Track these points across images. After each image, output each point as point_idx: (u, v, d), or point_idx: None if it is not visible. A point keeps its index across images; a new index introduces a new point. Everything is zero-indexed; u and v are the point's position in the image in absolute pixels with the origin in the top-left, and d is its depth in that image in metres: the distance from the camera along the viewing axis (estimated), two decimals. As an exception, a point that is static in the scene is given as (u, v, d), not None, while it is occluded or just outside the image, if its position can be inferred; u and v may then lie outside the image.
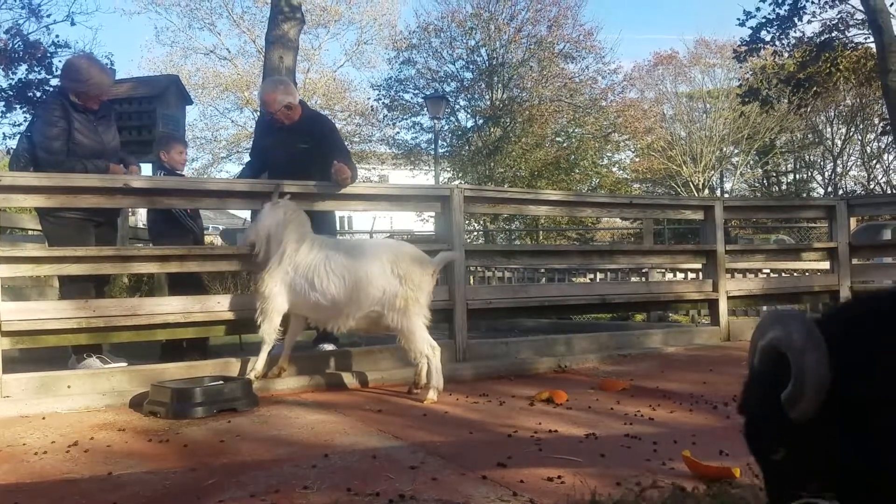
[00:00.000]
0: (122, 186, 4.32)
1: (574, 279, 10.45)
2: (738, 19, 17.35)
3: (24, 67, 14.64)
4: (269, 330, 4.06)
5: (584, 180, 25.85)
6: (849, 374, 1.20)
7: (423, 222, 24.45)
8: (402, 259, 3.96)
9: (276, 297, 4.05)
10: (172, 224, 5.18)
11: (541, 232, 22.63)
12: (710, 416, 3.45)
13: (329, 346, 4.80)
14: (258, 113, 5.07)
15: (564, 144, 26.00)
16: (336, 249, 4.11)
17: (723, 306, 6.10)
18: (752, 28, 17.15)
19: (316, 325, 4.37)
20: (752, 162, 31.19)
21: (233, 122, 29.70)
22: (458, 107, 26.16)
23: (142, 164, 5.97)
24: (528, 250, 6.53)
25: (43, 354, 4.63)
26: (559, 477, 2.41)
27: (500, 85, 25.47)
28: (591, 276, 10.45)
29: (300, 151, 4.84)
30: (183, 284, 4.94)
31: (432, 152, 22.53)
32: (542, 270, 10.27)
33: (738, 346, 5.79)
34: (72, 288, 4.43)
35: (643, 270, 9.91)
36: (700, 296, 6.14)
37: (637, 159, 30.28)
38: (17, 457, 2.88)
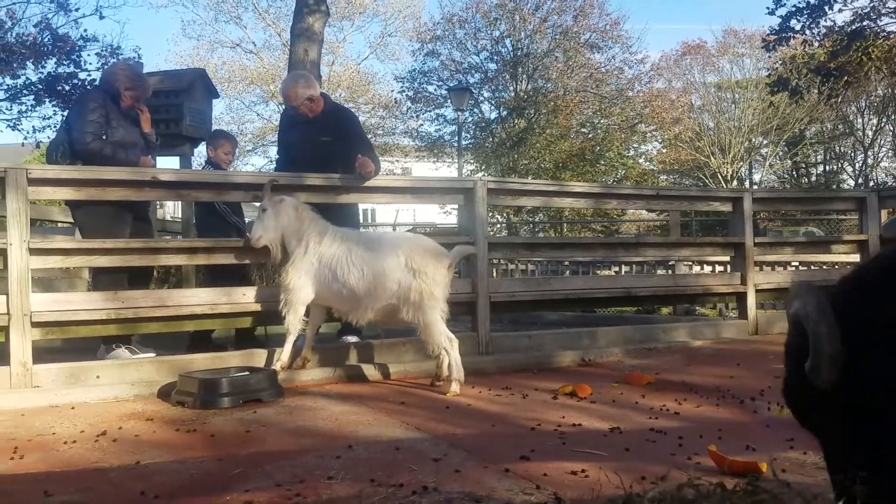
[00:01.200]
0: (151, 179, 4.39)
1: (599, 272, 10.38)
2: (768, 8, 17.03)
3: (53, 61, 14.83)
4: (295, 321, 4.11)
5: (610, 172, 25.53)
6: (861, 345, 1.22)
7: (445, 214, 24.38)
8: (417, 252, 3.98)
9: (301, 289, 4.10)
10: (217, 219, 5.23)
11: (565, 224, 22.40)
12: (737, 411, 3.41)
13: (352, 339, 4.83)
14: (283, 106, 5.08)
15: (590, 135, 25.61)
16: (357, 242, 4.16)
17: (751, 300, 6.02)
18: (781, 17, 16.86)
19: (339, 318, 4.38)
20: (781, 153, 30.72)
21: (258, 115, 29.64)
22: (481, 98, 25.87)
23: (170, 158, 6.06)
24: (552, 243, 6.51)
25: (73, 345, 4.69)
26: (583, 471, 2.40)
27: (524, 76, 25.22)
28: (616, 268, 10.36)
29: (323, 144, 4.86)
30: (229, 277, 4.97)
31: (455, 144, 22.32)
32: (566, 263, 10.19)
33: (766, 339, 5.73)
34: (104, 280, 4.50)
35: (669, 263, 9.82)
36: (728, 289, 6.07)
37: (664, 150, 29.92)
38: (46, 446, 2.93)
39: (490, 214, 5.37)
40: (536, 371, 4.58)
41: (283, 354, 4.16)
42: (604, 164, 25.14)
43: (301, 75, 5.40)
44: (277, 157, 5.35)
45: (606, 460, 2.54)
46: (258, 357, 4.39)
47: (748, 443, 2.75)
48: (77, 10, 15.62)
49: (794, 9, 16.53)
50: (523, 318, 6.64)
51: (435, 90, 26.51)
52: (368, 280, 3.98)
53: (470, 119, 25.17)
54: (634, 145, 27.41)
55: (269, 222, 4.19)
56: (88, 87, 13.32)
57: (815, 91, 19.46)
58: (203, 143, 5.80)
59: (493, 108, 26.38)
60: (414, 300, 3.91)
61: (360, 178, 4.65)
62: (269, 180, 4.34)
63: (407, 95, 26.83)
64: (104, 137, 4.54)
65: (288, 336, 4.16)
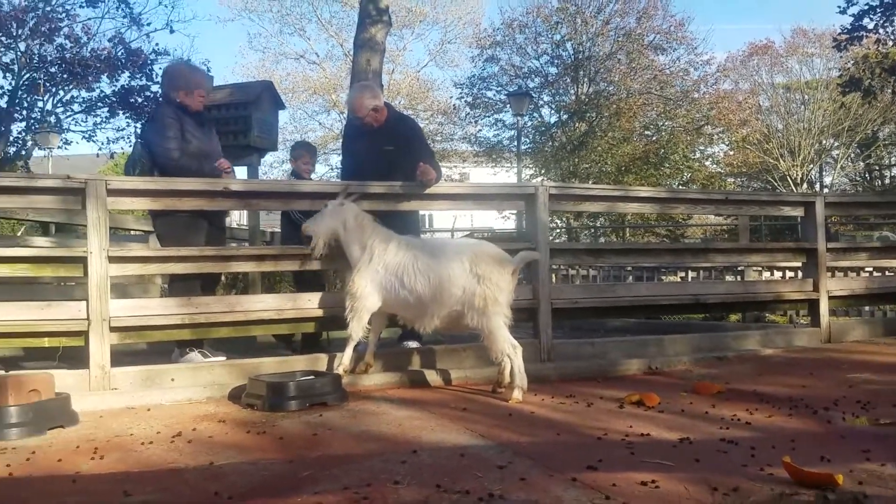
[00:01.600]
0: (222, 189, 4.51)
1: (663, 277, 10.18)
2: (839, 7, 16.52)
3: (126, 74, 15.43)
4: (358, 328, 4.17)
5: (675, 175, 24.90)
6: None
7: (503, 220, 24.03)
8: (482, 258, 3.97)
9: (367, 297, 4.15)
10: (295, 228, 5.31)
11: (627, 229, 21.92)
12: (811, 421, 3.31)
13: (413, 344, 4.86)
14: (345, 115, 5.19)
15: (654, 138, 24.92)
16: (422, 249, 4.18)
17: (824, 307, 5.85)
18: (853, 15, 16.34)
19: (405, 325, 4.40)
20: (853, 155, 29.63)
21: (320, 124, 30.23)
22: (541, 103, 25.56)
23: (238, 168, 6.24)
24: (616, 249, 6.38)
25: (148, 349, 4.84)
26: (653, 481, 2.36)
27: (585, 79, 24.79)
28: (682, 274, 10.15)
29: (386, 153, 4.92)
30: (308, 283, 5.12)
31: (514, 149, 22.20)
32: (628, 268, 9.99)
33: (839, 348, 5.54)
34: (180, 286, 4.63)
35: (738, 269, 9.57)
36: (800, 295, 5.91)
37: (731, 152, 29.15)
38: (125, 446, 3.04)
39: (549, 219, 5.32)
40: (600, 379, 4.52)
41: (345, 358, 4.21)
42: (668, 167, 24.57)
43: (366, 86, 5.49)
44: (341, 165, 5.44)
45: (676, 471, 2.49)
46: (322, 361, 4.45)
47: (823, 454, 2.67)
48: (149, 24, 16.17)
49: (866, 7, 16.00)
50: (584, 324, 6.55)
51: (494, 95, 26.40)
52: (434, 286, 3.99)
53: (529, 124, 24.89)
54: (700, 148, 26.73)
55: (323, 220, 4.29)
56: (159, 100, 13.73)
57: (889, 91, 18.74)
58: (269, 153, 5.94)
59: (553, 112, 26.02)
60: (478, 306, 3.90)
61: (422, 186, 4.69)
62: (342, 188, 4.41)
63: (466, 101, 26.74)
64: (182, 149, 4.68)
65: (349, 342, 4.21)
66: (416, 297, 4.06)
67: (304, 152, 5.65)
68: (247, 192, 4.67)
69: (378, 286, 4.15)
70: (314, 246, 4.29)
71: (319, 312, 4.57)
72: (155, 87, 15.32)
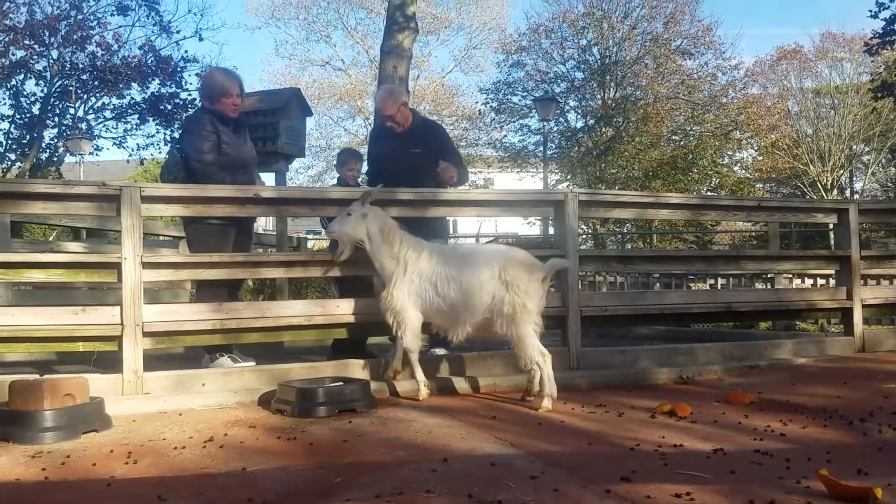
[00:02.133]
0: (253, 196, 4.55)
1: (692, 285, 10.06)
2: (870, 11, 16.25)
3: (156, 82, 15.66)
4: (413, 339, 4.15)
5: (703, 180, 24.39)
6: None
7: (528, 226, 23.56)
8: (511, 265, 3.96)
9: (408, 308, 4.14)
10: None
11: (654, 235, 21.39)
12: (846, 433, 3.26)
13: (441, 351, 4.86)
14: (371, 121, 5.26)
15: (681, 143, 24.13)
16: (453, 255, 4.20)
17: (857, 315, 5.76)
18: (885, 19, 16.08)
19: (437, 333, 4.41)
20: (884, 160, 29.12)
21: (346, 130, 30.08)
22: (567, 107, 24.87)
23: (266, 174, 6.30)
24: (648, 255, 6.32)
25: (176, 354, 4.87)
26: (688, 493, 2.34)
27: (612, 84, 24.36)
28: (711, 281, 10.03)
29: (412, 157, 4.95)
30: (353, 288, 5.04)
31: (540, 154, 21.88)
32: (656, 275, 9.84)
33: (874, 357, 5.43)
34: (207, 291, 4.67)
35: (767, 276, 9.44)
36: (833, 304, 5.82)
37: (760, 158, 28.78)
38: (158, 451, 3.06)
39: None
40: (631, 388, 4.48)
41: (417, 375, 4.18)
42: (696, 173, 24.06)
43: (393, 88, 5.56)
44: (368, 170, 5.46)
45: (712, 483, 2.47)
46: (352, 368, 4.45)
47: (860, 467, 2.63)
48: (178, 32, 16.41)
49: (899, 11, 15.73)
50: (612, 331, 6.48)
51: (520, 101, 25.96)
52: (465, 293, 3.99)
53: (555, 129, 24.39)
54: (729, 153, 26.37)
55: (348, 224, 4.25)
56: (190, 107, 13.88)
57: (923, 96, 18.40)
58: (296, 159, 5.98)
59: (579, 117, 25.25)
60: (507, 313, 3.89)
61: (445, 188, 4.72)
62: (364, 193, 4.39)
63: (491, 107, 26.27)
64: (218, 158, 4.70)
65: (411, 356, 4.19)
66: (449, 304, 4.06)
67: (350, 159, 5.63)
68: (277, 198, 4.74)
69: (415, 296, 4.15)
70: (341, 252, 4.29)
71: (350, 318, 4.58)
72: (185, 94, 15.53)
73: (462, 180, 5.16)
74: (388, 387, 4.29)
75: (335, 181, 5.86)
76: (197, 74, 15.66)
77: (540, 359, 3.89)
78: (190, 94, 15.56)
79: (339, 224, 4.24)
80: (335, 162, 5.68)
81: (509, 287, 3.91)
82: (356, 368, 4.44)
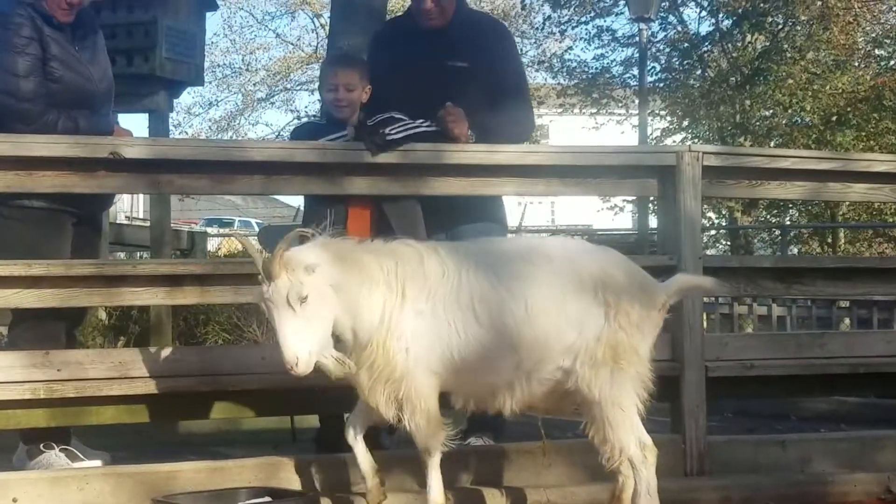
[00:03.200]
0: (109, 156, 3.03)
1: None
2: None
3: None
4: (435, 434, 2.67)
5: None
6: None
7: (612, 212, 15.80)
8: (615, 278, 2.76)
9: (420, 373, 2.63)
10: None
11: (841, 231, 14.15)
12: None
13: (479, 441, 3.45)
14: (326, 22, 3.45)
15: (892, 63, 15.18)
16: (496, 260, 2.78)
17: None
18: None
19: (467, 407, 2.94)
20: None
21: (278, 35, 20.05)
22: None
23: (133, 116, 4.61)
24: (827, 268, 4.32)
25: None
26: None
27: None
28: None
29: (455, 73, 3.47)
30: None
31: (634, 83, 14.20)
32: (844, 304, 7.20)
33: None
34: (26, 330, 3.23)
35: None
36: None
37: None
38: None
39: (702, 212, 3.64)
40: (797, 508, 3.35)
41: (432, 496, 2.73)
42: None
43: None
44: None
45: None
46: (288, 470, 3.02)
47: None
48: None
49: None
50: (762, 405, 4.77)
51: None
52: (532, 324, 2.67)
53: (661, 36, 15.60)
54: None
55: (311, 321, 2.53)
56: None
57: None
58: (189, 87, 4.75)
59: (704, 14, 15.87)
60: (602, 359, 2.67)
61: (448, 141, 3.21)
62: (292, 236, 2.59)
63: None
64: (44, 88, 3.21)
65: (429, 461, 2.70)
66: (496, 346, 2.66)
67: (341, 68, 3.47)
68: (153, 160, 3.17)
69: (427, 344, 2.65)
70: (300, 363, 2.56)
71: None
72: None
73: (515, 134, 3.57)
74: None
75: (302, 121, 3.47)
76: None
77: (636, 451, 2.70)
78: None
79: (294, 336, 2.52)
80: (318, 80, 3.73)
81: (613, 315, 2.70)
82: (295, 470, 3.05)
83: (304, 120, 4.03)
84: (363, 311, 2.60)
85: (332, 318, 2.52)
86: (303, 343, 2.41)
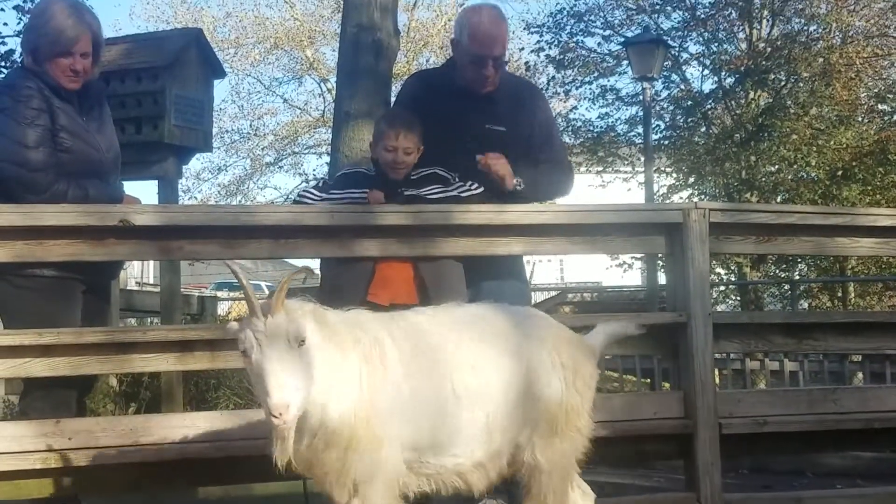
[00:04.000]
0: (119, 224, 2.94)
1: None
2: None
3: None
4: None
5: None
6: None
7: (620, 269, 15.12)
8: (563, 338, 2.60)
9: (390, 458, 2.27)
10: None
11: (851, 285, 13.84)
12: None
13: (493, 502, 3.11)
14: (332, 87, 3.33)
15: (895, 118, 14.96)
16: (465, 323, 2.54)
17: None
18: None
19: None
20: None
21: (285, 101, 19.82)
22: (684, 56, 15.56)
23: (142, 184, 4.49)
24: (838, 323, 4.17)
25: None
26: None
27: (766, 13, 14.86)
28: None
29: (490, 138, 3.32)
30: None
31: (638, 141, 14.01)
32: (856, 358, 6.84)
33: None
34: (37, 399, 3.08)
35: None
36: None
37: None
38: None
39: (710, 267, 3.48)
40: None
41: None
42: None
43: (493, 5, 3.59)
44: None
45: None
46: None
47: None
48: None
49: None
50: (777, 462, 4.54)
51: (599, 46, 15.80)
52: (504, 391, 2.44)
53: (664, 94, 15.19)
54: None
55: (305, 371, 2.13)
56: (3, 66, 8.52)
57: None
58: (197, 154, 4.48)
59: (707, 72, 15.63)
60: (558, 426, 2.49)
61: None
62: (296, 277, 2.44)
63: (548, 56, 15.82)
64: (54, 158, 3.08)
65: None
66: (465, 416, 2.39)
67: (391, 127, 3.24)
68: (163, 227, 3.06)
69: (398, 420, 2.32)
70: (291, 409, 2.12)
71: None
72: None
73: (548, 190, 3.52)
74: None
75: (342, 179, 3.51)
76: (18, 8, 9.08)
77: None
78: (4, 43, 9.09)
79: (285, 383, 2.10)
80: (372, 137, 3.39)
81: (571, 380, 2.53)
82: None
83: (349, 170, 3.71)
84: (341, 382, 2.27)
85: (313, 382, 2.12)
86: (296, 389, 2.02)
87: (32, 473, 2.82)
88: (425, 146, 3.17)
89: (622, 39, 13.68)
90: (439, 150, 3.20)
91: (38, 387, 3.04)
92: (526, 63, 16.54)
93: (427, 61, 17.93)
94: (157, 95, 4.37)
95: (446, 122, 3.24)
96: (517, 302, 3.04)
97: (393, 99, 4.49)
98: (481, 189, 3.12)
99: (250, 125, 19.03)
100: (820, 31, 14.39)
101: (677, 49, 14.91)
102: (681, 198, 14.54)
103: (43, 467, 2.79)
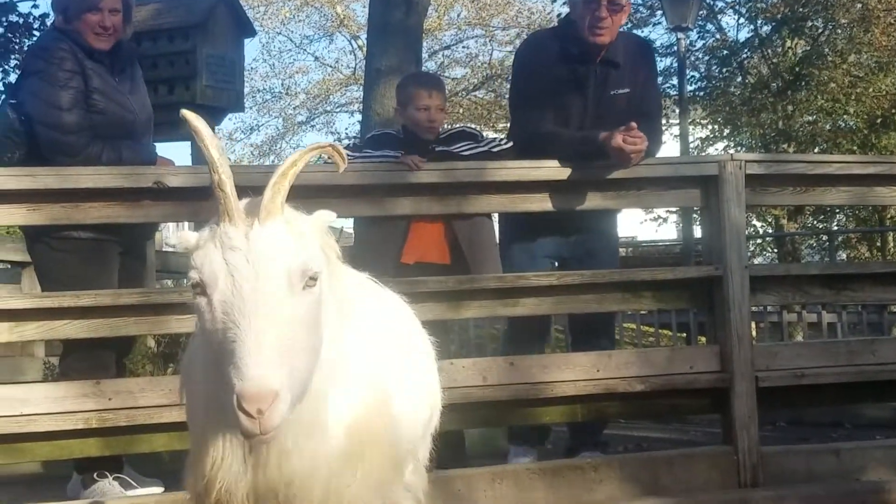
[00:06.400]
0: (153, 185, 2.92)
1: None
2: None
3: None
4: None
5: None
6: None
7: (655, 223, 14.97)
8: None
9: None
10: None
11: (890, 235, 13.76)
12: None
13: (589, 456, 3.17)
14: (363, 42, 3.29)
15: None
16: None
17: None
18: None
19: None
20: None
21: (317, 58, 18.98)
22: (719, 5, 14.97)
23: (173, 144, 4.71)
24: (876, 273, 4.08)
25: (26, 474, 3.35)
26: None
27: None
28: None
29: (617, 102, 3.25)
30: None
31: (673, 93, 12.68)
32: (895, 310, 6.83)
33: None
34: (76, 360, 3.08)
35: None
36: None
37: None
38: None
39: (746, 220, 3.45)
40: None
41: None
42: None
43: None
44: (516, 124, 3.50)
45: None
46: None
47: None
48: None
49: None
50: (814, 413, 4.46)
51: None
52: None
53: (699, 45, 14.89)
54: None
55: (310, 331, 1.37)
56: (35, 30, 8.64)
57: None
58: (229, 114, 4.56)
59: (742, 20, 15.19)
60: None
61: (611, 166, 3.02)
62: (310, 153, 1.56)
63: None
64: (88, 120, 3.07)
65: None
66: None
67: (423, 86, 3.29)
68: (196, 188, 2.98)
69: None
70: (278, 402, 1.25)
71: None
72: (28, 6, 9.69)
73: (652, 150, 3.31)
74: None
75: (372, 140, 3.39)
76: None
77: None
78: (37, 6, 10.43)
79: (274, 335, 1.25)
80: (395, 100, 3.42)
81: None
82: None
83: (379, 132, 3.65)
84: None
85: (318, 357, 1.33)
86: (291, 369, 1.21)
87: (74, 434, 2.85)
88: (553, 113, 3.11)
89: (656, -12, 13.42)
90: (562, 112, 3.14)
91: (77, 348, 3.07)
92: (559, 15, 16.02)
93: (458, 15, 17.71)
94: (189, 56, 4.35)
95: (568, 89, 3.18)
96: (606, 257, 3.14)
97: (425, 56, 4.39)
98: (511, 143, 3.09)
99: (282, 84, 18.68)
100: (859, -27, 13.97)
101: (712, -2, 14.63)
102: (716, 150, 14.39)
103: (84, 427, 2.81)
